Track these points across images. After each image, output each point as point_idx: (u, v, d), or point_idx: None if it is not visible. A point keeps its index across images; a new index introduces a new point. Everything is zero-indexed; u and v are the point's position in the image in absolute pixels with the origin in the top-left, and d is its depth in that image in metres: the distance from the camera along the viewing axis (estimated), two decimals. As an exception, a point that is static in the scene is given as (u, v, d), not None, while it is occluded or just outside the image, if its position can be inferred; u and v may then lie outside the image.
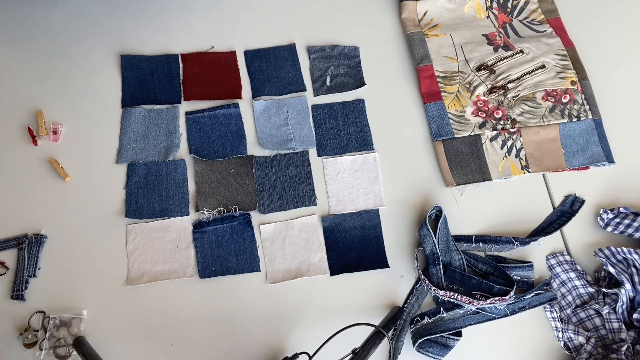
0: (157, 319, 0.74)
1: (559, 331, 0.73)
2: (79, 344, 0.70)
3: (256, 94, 0.88)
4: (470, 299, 0.71)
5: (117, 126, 0.85)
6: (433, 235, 0.76)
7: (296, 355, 0.65)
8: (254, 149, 0.85)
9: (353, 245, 0.79)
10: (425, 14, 0.94)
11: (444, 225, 0.78)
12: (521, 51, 0.91)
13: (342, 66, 0.91)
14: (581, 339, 0.71)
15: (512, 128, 0.85)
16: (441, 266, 0.75)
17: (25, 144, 0.84)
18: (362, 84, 0.89)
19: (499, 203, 0.82)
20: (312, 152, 0.85)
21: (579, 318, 0.73)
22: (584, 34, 0.93)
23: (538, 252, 0.78)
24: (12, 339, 0.72)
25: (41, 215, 0.79)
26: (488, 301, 0.70)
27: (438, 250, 0.76)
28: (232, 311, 0.75)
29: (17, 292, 0.74)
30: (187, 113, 0.87)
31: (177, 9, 0.94)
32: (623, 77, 0.90)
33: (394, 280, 0.77)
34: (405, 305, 0.74)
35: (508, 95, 0.87)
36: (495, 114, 0.86)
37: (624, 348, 0.68)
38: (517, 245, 0.77)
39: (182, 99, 0.88)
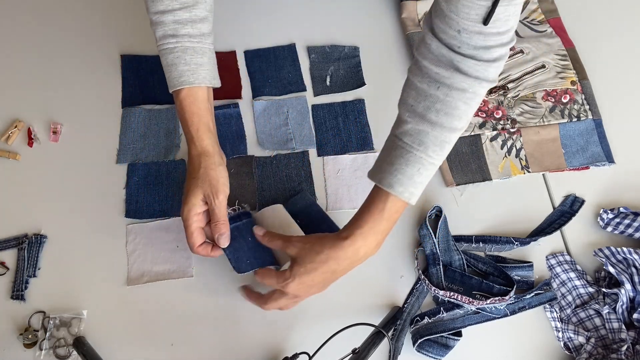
0: (157, 319, 0.74)
1: (559, 331, 0.73)
2: (79, 344, 0.70)
3: (256, 94, 0.88)
4: (470, 299, 0.71)
5: (118, 126, 0.85)
6: (433, 235, 0.76)
7: (296, 355, 0.65)
8: (254, 149, 0.85)
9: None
10: (425, 14, 0.94)
11: (444, 225, 0.78)
12: (521, 51, 0.91)
13: (342, 66, 0.91)
14: (581, 339, 0.71)
15: (512, 128, 0.85)
16: (441, 266, 0.75)
17: (24, 143, 0.84)
18: (362, 84, 0.89)
19: (499, 203, 0.82)
20: (312, 152, 0.85)
21: (579, 318, 0.73)
22: (584, 34, 0.93)
23: (538, 252, 0.78)
24: (12, 339, 0.72)
25: (41, 215, 0.79)
26: (488, 301, 0.70)
27: (438, 250, 0.76)
28: (233, 311, 0.75)
29: (17, 292, 0.74)
30: (187, 113, 0.87)
31: (177, 9, 0.94)
32: (623, 77, 0.90)
33: (394, 280, 0.77)
34: (405, 305, 0.74)
35: (508, 95, 0.87)
36: (495, 114, 0.86)
37: (624, 348, 0.68)
38: (517, 245, 0.77)
39: (182, 99, 0.88)
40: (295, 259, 0.65)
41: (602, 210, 0.79)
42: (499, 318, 0.72)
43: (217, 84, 0.73)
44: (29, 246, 0.76)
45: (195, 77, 0.69)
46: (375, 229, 0.64)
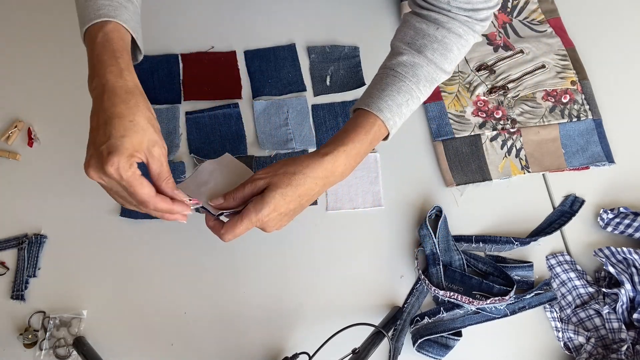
0: (157, 319, 0.74)
1: (559, 331, 0.73)
2: (79, 344, 0.70)
3: (256, 94, 0.88)
4: (470, 299, 0.71)
5: (117, 126, 0.85)
6: (433, 235, 0.76)
7: (296, 355, 0.65)
8: (253, 149, 0.85)
9: None
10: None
11: (444, 225, 0.78)
12: (521, 51, 0.91)
13: (342, 66, 0.91)
14: (581, 339, 0.71)
15: (512, 128, 0.85)
16: (441, 266, 0.75)
17: (25, 143, 0.84)
18: (362, 84, 0.89)
19: (499, 203, 0.82)
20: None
21: (579, 318, 0.73)
22: (584, 34, 0.93)
23: (538, 252, 0.78)
24: (12, 339, 0.72)
25: (41, 215, 0.79)
26: (488, 301, 0.70)
27: (438, 250, 0.76)
28: (233, 311, 0.75)
29: (17, 292, 0.74)
30: (187, 113, 0.87)
31: (177, 9, 0.94)
32: (623, 77, 0.90)
33: (394, 280, 0.77)
34: (405, 305, 0.74)
35: (508, 95, 0.87)
36: (495, 114, 0.86)
37: (624, 348, 0.68)
38: (517, 245, 0.77)
39: (182, 99, 0.88)
40: (267, 187, 0.58)
41: (602, 210, 0.79)
42: (499, 318, 0.72)
43: (139, 40, 0.64)
44: (29, 246, 0.76)
45: (117, 13, 0.59)
46: (357, 150, 0.62)
